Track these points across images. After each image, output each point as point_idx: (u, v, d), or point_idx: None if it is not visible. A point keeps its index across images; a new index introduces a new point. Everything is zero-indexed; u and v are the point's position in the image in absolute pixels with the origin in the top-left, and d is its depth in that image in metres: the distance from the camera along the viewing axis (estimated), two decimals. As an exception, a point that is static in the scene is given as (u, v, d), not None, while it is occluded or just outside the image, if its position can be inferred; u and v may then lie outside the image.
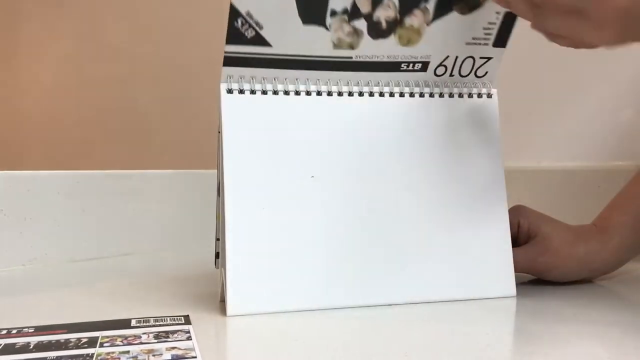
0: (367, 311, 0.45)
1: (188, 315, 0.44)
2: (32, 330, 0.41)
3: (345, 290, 0.47)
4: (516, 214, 0.56)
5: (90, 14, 1.37)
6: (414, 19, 0.48)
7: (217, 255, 0.51)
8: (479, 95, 0.52)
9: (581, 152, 0.78)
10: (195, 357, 0.35)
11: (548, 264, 0.54)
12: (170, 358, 0.35)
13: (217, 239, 0.51)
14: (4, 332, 0.40)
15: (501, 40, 0.51)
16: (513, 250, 0.51)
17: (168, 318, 0.43)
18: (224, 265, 0.46)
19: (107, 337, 0.39)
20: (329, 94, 0.49)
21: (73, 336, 0.39)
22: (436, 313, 0.45)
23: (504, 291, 0.50)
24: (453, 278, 0.49)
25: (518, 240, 0.56)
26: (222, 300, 0.47)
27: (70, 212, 0.73)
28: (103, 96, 1.33)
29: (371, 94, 0.50)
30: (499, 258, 0.50)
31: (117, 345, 0.37)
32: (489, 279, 0.50)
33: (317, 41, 0.47)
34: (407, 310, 0.46)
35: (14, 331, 0.40)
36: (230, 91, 0.47)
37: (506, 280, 0.50)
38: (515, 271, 0.51)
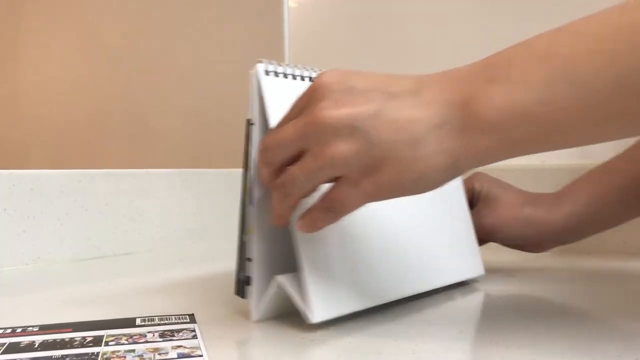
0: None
1: (193, 314, 0.44)
2: (37, 329, 0.40)
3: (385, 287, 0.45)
4: (472, 179, 0.57)
5: (90, 14, 1.37)
6: None
7: (245, 281, 0.42)
8: None
9: (585, 150, 0.78)
10: (202, 356, 0.34)
11: (493, 225, 0.54)
12: (176, 357, 0.34)
13: (248, 259, 0.42)
14: (9, 330, 0.40)
15: None
16: None
17: (173, 317, 0.43)
18: (297, 277, 0.40)
19: (112, 335, 0.38)
20: None
21: (78, 335, 0.39)
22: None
23: (475, 272, 0.53)
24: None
25: (475, 205, 0.57)
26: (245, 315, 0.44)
27: (73, 211, 0.73)
28: (105, 96, 1.32)
29: None
30: (467, 243, 0.53)
31: (123, 344, 0.37)
32: (462, 263, 0.52)
33: None
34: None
35: (19, 330, 0.40)
36: (267, 73, 0.42)
37: (475, 262, 0.53)
38: None
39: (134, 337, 0.38)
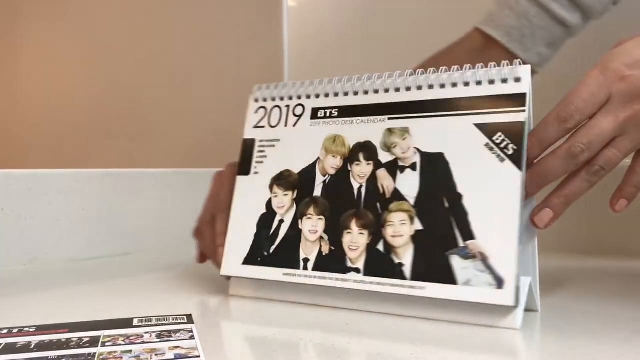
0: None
1: (191, 315, 0.43)
2: (34, 329, 0.40)
3: None
4: None
5: (90, 14, 1.37)
6: None
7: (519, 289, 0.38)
8: None
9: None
10: (199, 357, 0.34)
11: None
12: (173, 357, 0.34)
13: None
14: (5, 331, 0.40)
15: None
16: None
17: (170, 317, 0.43)
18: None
19: (109, 336, 0.38)
20: None
21: (74, 335, 0.38)
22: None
23: None
24: None
25: None
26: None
27: (70, 211, 0.73)
28: (103, 95, 1.32)
29: None
30: None
31: (119, 345, 0.36)
32: None
33: None
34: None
35: (15, 330, 0.40)
36: None
37: None
38: None
39: (131, 337, 0.38)
